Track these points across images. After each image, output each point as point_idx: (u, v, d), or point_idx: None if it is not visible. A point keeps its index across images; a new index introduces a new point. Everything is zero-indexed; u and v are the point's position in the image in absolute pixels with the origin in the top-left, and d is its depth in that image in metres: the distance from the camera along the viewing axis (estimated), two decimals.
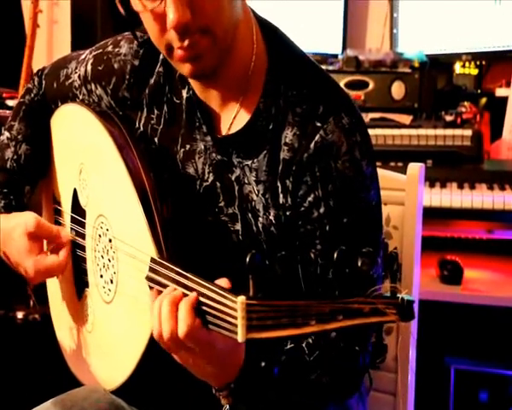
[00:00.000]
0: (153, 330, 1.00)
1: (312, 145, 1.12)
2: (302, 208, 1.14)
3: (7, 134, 1.45)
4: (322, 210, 1.12)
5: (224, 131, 1.20)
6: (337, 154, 1.12)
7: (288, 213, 1.16)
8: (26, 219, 1.31)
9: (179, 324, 0.94)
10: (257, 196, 1.17)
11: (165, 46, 1.11)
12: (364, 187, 1.14)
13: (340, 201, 1.12)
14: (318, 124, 1.13)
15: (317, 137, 1.12)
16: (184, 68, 1.12)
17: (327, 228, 1.12)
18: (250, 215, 1.18)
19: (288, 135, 1.15)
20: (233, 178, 1.19)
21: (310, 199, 1.13)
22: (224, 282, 0.94)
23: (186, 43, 1.08)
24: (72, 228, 1.38)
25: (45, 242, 1.34)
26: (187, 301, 0.94)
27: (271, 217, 1.17)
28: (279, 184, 1.16)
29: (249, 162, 1.18)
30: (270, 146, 1.16)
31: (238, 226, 1.19)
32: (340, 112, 1.14)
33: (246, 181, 1.18)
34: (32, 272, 1.30)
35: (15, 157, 1.42)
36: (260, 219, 1.18)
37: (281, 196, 1.16)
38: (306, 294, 0.82)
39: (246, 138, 1.18)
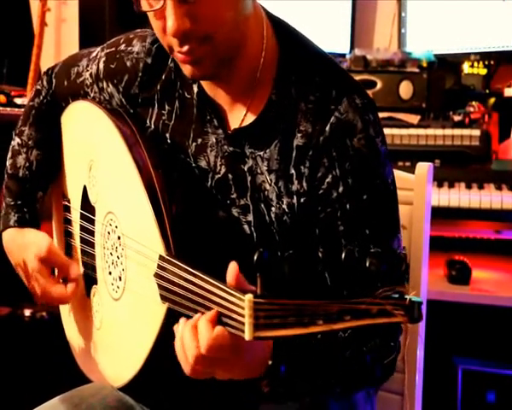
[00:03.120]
0: (182, 366, 0.98)
1: (328, 128, 1.13)
2: (321, 191, 1.14)
3: (17, 140, 1.45)
4: (341, 189, 1.13)
5: (235, 125, 1.21)
6: (352, 132, 1.13)
7: (302, 201, 1.16)
8: (39, 242, 1.33)
9: (200, 339, 0.93)
10: (270, 185, 1.18)
11: (167, 46, 1.13)
12: (380, 164, 1.15)
13: (358, 178, 1.13)
14: (332, 106, 1.14)
15: (332, 119, 1.13)
16: (185, 69, 1.15)
17: (347, 207, 1.13)
18: (263, 205, 1.18)
19: (302, 122, 1.15)
20: (245, 169, 1.20)
21: (328, 180, 1.13)
22: (233, 266, 0.93)
23: (184, 49, 1.09)
24: (81, 225, 1.39)
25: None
26: (204, 317, 0.94)
27: (284, 205, 1.17)
28: (293, 171, 1.16)
29: (261, 153, 1.18)
30: (282, 135, 1.16)
31: (250, 217, 1.19)
32: (352, 93, 1.15)
33: (258, 171, 1.19)
34: (39, 293, 1.33)
35: (27, 164, 1.43)
36: (273, 208, 1.18)
37: (295, 182, 1.16)
38: (314, 293, 0.82)
39: (258, 130, 1.18)
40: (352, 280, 0.81)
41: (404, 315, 0.81)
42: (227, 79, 1.18)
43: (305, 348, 1.06)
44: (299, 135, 1.15)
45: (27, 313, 2.47)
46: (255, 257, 0.81)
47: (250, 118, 1.20)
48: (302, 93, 1.16)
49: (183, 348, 0.97)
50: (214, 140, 1.22)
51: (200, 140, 1.24)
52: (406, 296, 0.82)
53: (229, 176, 1.21)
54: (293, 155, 1.16)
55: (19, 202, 1.41)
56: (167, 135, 1.27)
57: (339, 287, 0.81)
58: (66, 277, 1.34)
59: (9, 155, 1.46)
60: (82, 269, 1.39)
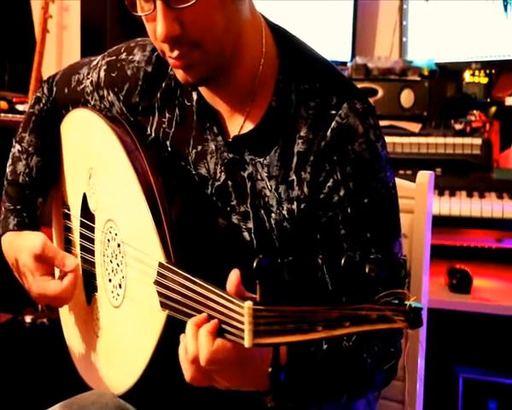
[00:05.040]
0: (183, 371, 0.98)
1: (329, 133, 1.13)
2: (322, 195, 1.14)
3: (18, 147, 1.45)
4: (342, 193, 1.13)
5: (235, 131, 1.21)
6: (353, 136, 1.13)
7: (302, 206, 1.16)
8: (34, 241, 1.32)
9: (200, 351, 0.93)
10: (270, 191, 1.18)
11: (160, 50, 1.14)
12: (381, 168, 1.15)
13: (359, 182, 1.13)
14: (333, 112, 1.14)
15: (333, 124, 1.13)
16: (178, 74, 1.15)
17: (348, 210, 1.13)
18: (263, 212, 1.19)
19: (302, 128, 1.15)
20: (245, 175, 1.20)
21: (329, 184, 1.14)
22: (234, 274, 0.93)
23: (174, 54, 1.10)
24: (81, 232, 1.39)
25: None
26: (207, 326, 0.93)
27: (284, 211, 1.17)
28: (294, 177, 1.16)
29: (261, 159, 1.18)
30: (282, 141, 1.17)
31: (250, 224, 1.19)
32: (352, 98, 1.15)
33: (259, 177, 1.19)
34: (33, 292, 1.32)
35: (27, 170, 1.43)
36: (273, 214, 1.18)
37: (296, 188, 1.16)
38: (314, 299, 0.82)
39: (258, 137, 1.18)
40: (352, 286, 0.81)
41: (404, 321, 0.81)
42: (225, 87, 1.18)
43: (308, 359, 1.06)
44: (299, 141, 1.15)
45: (28, 319, 2.47)
46: (254, 264, 0.81)
47: (250, 125, 1.20)
48: (302, 99, 1.16)
49: (186, 354, 0.97)
50: (214, 147, 1.22)
51: (200, 147, 1.24)
52: (406, 302, 0.82)
53: (229, 183, 1.21)
54: (294, 161, 1.16)
55: (18, 207, 1.41)
56: (168, 143, 1.27)
57: (338, 293, 0.81)
58: (64, 274, 1.32)
59: (9, 162, 1.46)
60: (82, 276, 1.39)
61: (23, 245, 1.33)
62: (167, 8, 1.05)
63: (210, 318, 0.95)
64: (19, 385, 2.32)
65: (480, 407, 2.32)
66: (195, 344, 0.94)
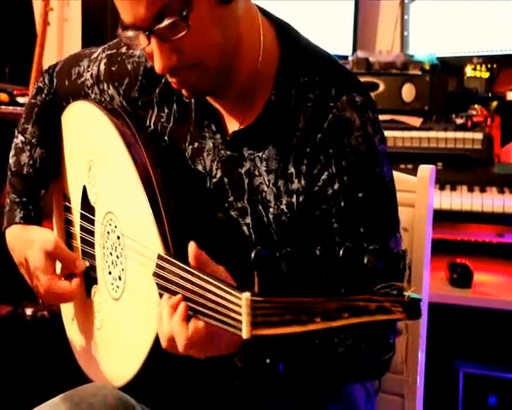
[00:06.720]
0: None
1: (326, 124, 1.13)
2: (316, 188, 1.14)
3: (21, 138, 1.45)
4: (336, 186, 1.12)
5: (234, 127, 1.21)
6: (350, 129, 1.12)
7: (301, 199, 1.15)
8: (46, 237, 1.33)
9: (176, 340, 0.98)
10: (268, 186, 1.17)
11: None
12: (378, 163, 1.14)
13: (354, 176, 1.12)
14: (331, 104, 1.13)
15: (330, 117, 1.13)
16: (183, 91, 1.16)
17: (342, 204, 1.12)
18: (260, 207, 1.18)
19: (301, 121, 1.15)
20: (243, 172, 1.19)
21: (324, 177, 1.13)
22: (191, 246, 0.98)
23: (175, 80, 1.11)
24: (81, 225, 1.39)
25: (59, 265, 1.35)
26: (177, 314, 0.98)
27: (283, 206, 1.17)
28: (293, 169, 1.15)
29: (260, 153, 1.18)
30: (281, 134, 1.16)
31: (248, 220, 1.19)
32: (352, 91, 1.14)
33: (257, 173, 1.18)
34: (43, 290, 1.32)
35: (31, 162, 1.43)
36: (271, 209, 1.18)
37: (295, 181, 1.15)
38: (312, 291, 0.81)
39: (257, 131, 1.18)
40: (350, 277, 0.80)
41: (403, 312, 0.81)
42: (225, 87, 1.17)
43: (299, 347, 1.06)
44: (297, 133, 1.15)
45: (29, 311, 2.48)
46: (252, 255, 0.81)
47: (249, 119, 1.19)
48: (302, 92, 1.15)
49: (162, 326, 1.01)
50: (211, 145, 1.22)
51: (196, 144, 1.24)
52: (405, 293, 0.81)
53: (225, 180, 1.21)
54: (293, 153, 1.15)
55: (24, 200, 1.41)
56: (166, 138, 1.27)
57: (337, 284, 0.81)
58: (70, 273, 1.33)
59: (12, 152, 1.46)
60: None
61: (33, 240, 1.34)
62: (161, 42, 1.06)
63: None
64: (19, 377, 2.32)
65: (481, 401, 2.32)
66: (170, 327, 0.99)
